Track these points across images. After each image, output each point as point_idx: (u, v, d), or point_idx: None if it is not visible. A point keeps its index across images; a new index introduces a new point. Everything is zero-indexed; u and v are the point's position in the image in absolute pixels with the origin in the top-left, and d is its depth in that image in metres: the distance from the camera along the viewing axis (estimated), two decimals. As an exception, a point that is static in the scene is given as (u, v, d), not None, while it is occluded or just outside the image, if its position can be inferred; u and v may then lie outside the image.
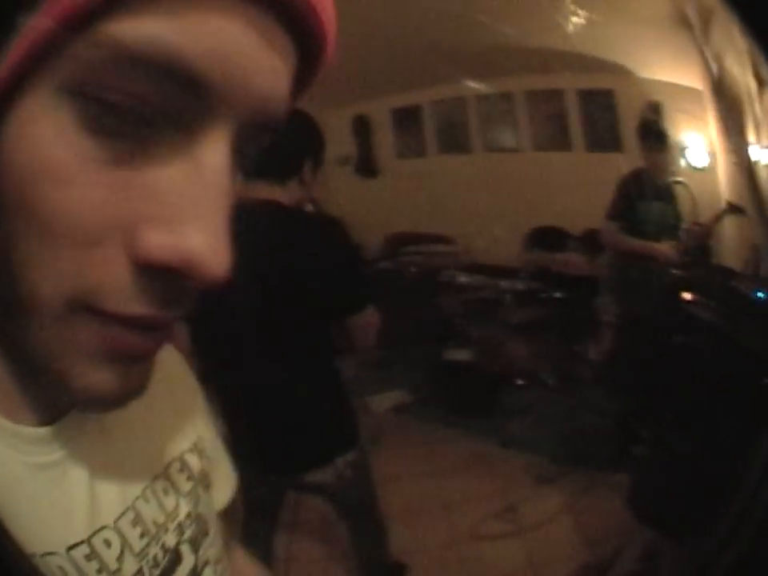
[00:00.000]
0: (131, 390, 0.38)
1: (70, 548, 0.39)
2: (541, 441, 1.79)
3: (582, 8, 1.68)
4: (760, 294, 1.57)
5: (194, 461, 0.55)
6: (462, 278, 1.75)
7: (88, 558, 0.40)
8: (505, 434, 1.79)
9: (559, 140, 1.77)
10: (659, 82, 1.76)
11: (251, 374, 1.15)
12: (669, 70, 1.74)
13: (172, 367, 0.57)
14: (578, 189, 1.73)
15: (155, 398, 0.51)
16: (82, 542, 0.40)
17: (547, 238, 1.69)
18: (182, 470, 0.53)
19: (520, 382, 1.80)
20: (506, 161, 1.76)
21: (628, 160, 1.76)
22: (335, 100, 1.68)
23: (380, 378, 1.72)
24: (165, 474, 0.50)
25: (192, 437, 0.56)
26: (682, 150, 1.81)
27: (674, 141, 1.80)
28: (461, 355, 1.79)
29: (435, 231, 1.74)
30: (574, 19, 1.69)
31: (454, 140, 1.76)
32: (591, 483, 1.75)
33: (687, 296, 1.63)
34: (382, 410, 1.68)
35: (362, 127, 1.70)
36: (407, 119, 1.72)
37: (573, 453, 1.77)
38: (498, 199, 1.69)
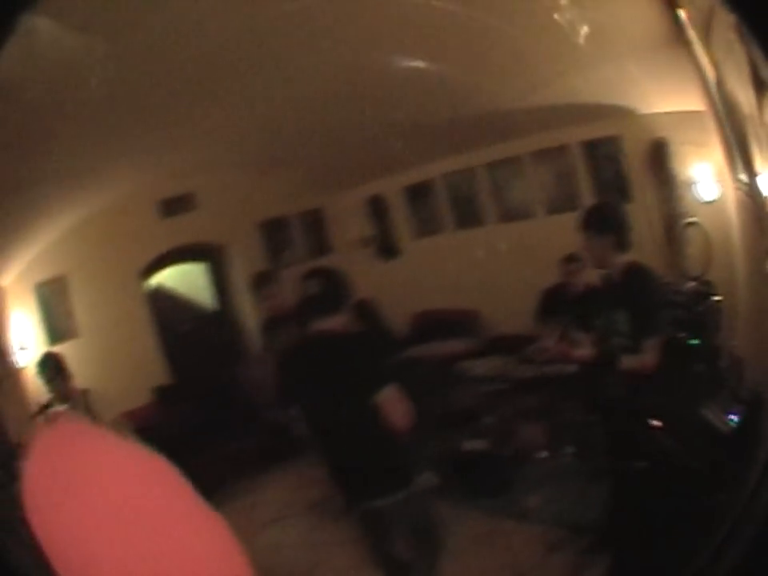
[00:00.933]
0: None
1: None
2: (557, 511, 1.79)
3: (569, 55, 1.64)
4: (732, 418, 1.52)
5: None
6: (477, 369, 1.77)
7: None
8: (520, 509, 1.80)
9: (568, 199, 1.72)
10: (662, 115, 1.65)
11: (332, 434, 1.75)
12: (669, 97, 1.65)
13: None
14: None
15: None
16: None
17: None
18: None
19: (542, 455, 1.81)
20: (520, 228, 1.77)
21: (639, 209, 1.68)
22: (347, 183, 1.67)
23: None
24: None
25: None
26: (690, 186, 1.67)
27: (678, 182, 1.66)
28: (477, 445, 1.81)
29: (457, 307, 1.74)
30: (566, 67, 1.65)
31: (467, 213, 1.77)
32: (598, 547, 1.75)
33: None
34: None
35: (378, 207, 1.69)
36: (420, 196, 1.72)
37: (586, 520, 1.74)
38: (516, 271, 1.69)
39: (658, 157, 1.72)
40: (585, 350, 1.75)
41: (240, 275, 1.72)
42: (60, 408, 0.97)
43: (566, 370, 1.77)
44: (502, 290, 1.71)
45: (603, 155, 1.71)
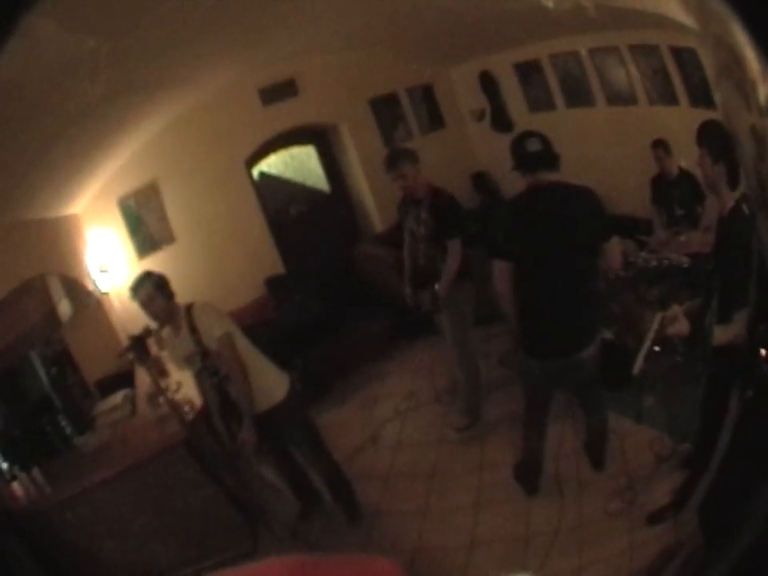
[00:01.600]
0: None
1: None
2: (667, 416, 1.81)
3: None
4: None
5: None
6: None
7: None
8: (637, 408, 1.82)
9: (668, 94, 1.76)
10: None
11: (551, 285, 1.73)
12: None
13: None
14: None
15: None
16: None
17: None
18: None
19: (656, 349, 1.80)
20: (628, 114, 1.78)
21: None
22: (456, 58, 1.67)
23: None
24: None
25: None
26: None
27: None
28: (605, 334, 1.84)
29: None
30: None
31: (577, 93, 1.78)
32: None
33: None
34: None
35: (488, 82, 1.70)
36: (530, 73, 1.73)
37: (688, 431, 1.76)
38: (624, 153, 1.73)
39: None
40: (692, 247, 1.81)
41: (354, 154, 1.70)
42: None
43: (681, 263, 1.81)
44: (614, 170, 1.77)
45: (688, 61, 1.76)
